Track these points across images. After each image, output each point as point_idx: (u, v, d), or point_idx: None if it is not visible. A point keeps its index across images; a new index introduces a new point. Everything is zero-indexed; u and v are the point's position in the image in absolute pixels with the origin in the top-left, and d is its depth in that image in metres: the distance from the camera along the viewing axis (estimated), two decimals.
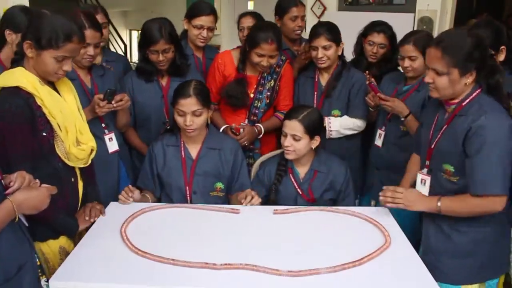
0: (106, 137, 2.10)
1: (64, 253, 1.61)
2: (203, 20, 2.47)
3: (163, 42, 2.14)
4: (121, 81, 2.29)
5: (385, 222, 1.71)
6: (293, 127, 1.93)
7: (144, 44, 2.18)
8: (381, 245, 1.54)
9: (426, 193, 1.74)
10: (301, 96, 2.47)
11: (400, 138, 2.27)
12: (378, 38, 2.51)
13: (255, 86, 2.39)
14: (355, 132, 2.41)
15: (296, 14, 2.66)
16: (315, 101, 2.40)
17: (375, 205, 2.32)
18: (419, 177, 1.78)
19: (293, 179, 2.01)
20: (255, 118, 2.43)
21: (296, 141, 1.93)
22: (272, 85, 2.41)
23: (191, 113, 1.89)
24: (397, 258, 1.49)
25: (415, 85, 2.24)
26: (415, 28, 3.82)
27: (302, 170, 2.03)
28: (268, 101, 2.41)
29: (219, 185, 2.02)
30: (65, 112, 1.56)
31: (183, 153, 2.00)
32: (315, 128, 1.97)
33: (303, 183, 2.01)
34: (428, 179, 1.75)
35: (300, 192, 1.99)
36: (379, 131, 2.35)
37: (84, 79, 2.05)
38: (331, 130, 2.35)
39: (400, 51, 2.21)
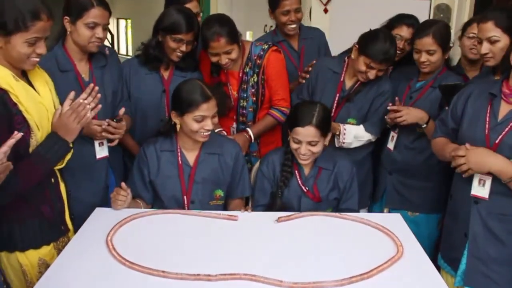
0: (96, 141, 2.00)
1: (44, 266, 1.59)
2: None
3: (192, 34, 2.14)
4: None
5: (398, 230, 1.71)
6: (309, 133, 1.89)
7: (169, 30, 2.12)
8: (393, 255, 1.53)
9: (486, 196, 1.69)
10: (318, 91, 2.32)
11: (414, 141, 2.24)
12: (407, 32, 2.36)
13: (238, 84, 2.33)
14: (364, 143, 2.33)
15: (288, 8, 2.51)
16: (335, 104, 2.28)
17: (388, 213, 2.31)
18: (477, 177, 1.71)
19: (298, 176, 2.01)
20: (244, 119, 2.38)
21: (313, 146, 1.91)
22: (255, 80, 2.33)
23: (211, 116, 1.88)
24: (411, 270, 1.48)
25: (429, 81, 2.20)
26: (431, 17, 3.79)
27: (306, 168, 2.03)
28: (254, 98, 2.34)
29: (219, 192, 2.01)
30: (40, 109, 1.53)
31: (180, 159, 1.97)
32: (327, 126, 1.96)
33: (307, 179, 2.01)
34: (489, 180, 1.69)
35: (305, 190, 1.99)
36: (391, 133, 2.31)
37: (81, 70, 1.97)
38: (344, 142, 2.25)
39: (416, 44, 2.14)
